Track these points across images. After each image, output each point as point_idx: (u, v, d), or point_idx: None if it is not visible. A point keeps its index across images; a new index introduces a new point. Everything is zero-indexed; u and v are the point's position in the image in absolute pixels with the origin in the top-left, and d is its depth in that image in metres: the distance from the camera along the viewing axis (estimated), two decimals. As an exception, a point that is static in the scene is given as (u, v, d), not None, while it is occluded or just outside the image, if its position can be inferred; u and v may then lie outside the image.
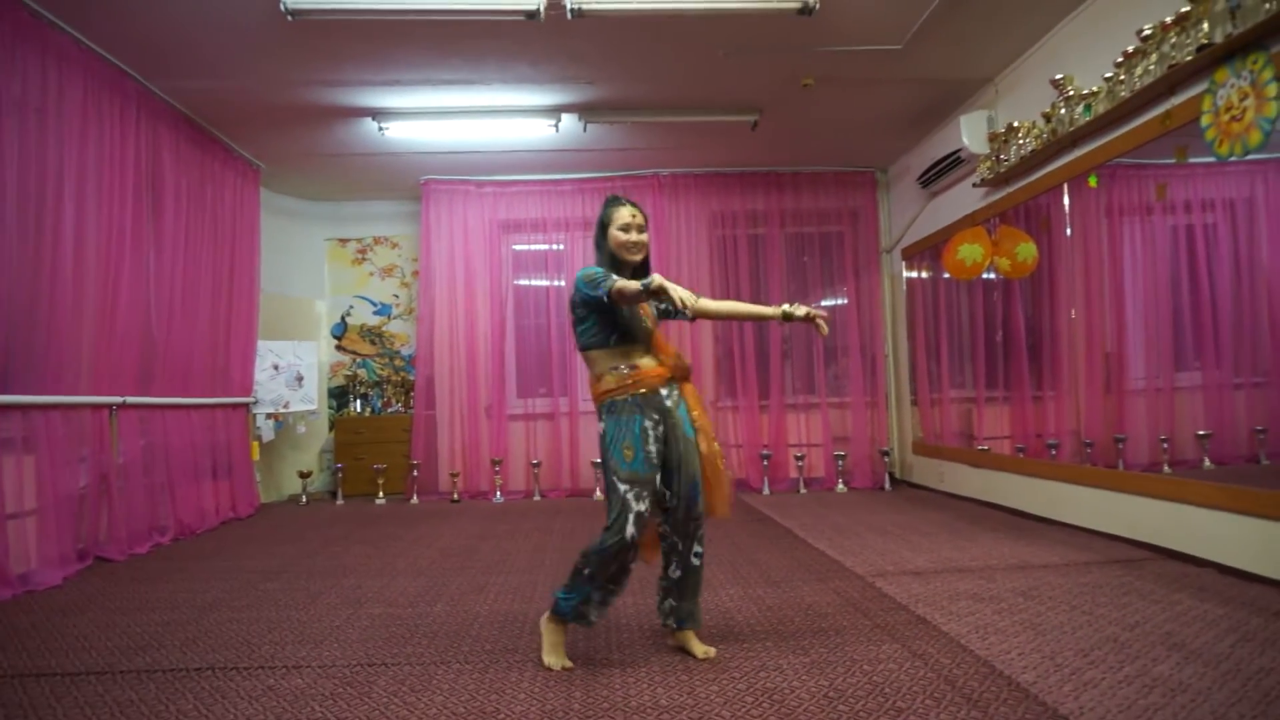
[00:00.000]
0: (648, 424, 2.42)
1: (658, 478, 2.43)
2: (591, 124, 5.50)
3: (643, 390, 2.44)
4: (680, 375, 2.55)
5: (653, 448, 2.41)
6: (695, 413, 2.54)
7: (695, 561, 2.51)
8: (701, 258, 6.79)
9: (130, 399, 4.42)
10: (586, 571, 2.38)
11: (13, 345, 3.63)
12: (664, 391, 2.49)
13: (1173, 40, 3.33)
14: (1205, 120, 3.13)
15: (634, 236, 2.50)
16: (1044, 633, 2.58)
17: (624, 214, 2.50)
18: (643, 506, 2.35)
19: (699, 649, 2.47)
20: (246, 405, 5.95)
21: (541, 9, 3.79)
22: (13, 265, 3.59)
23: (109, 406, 4.27)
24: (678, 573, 2.51)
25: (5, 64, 3.59)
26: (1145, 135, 3.63)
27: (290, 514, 5.91)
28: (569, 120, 5.49)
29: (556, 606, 2.43)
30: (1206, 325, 4.10)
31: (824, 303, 6.93)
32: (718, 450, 2.56)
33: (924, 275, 6.34)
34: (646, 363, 2.47)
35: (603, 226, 2.53)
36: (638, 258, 2.53)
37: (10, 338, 3.60)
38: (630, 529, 2.32)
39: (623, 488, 2.36)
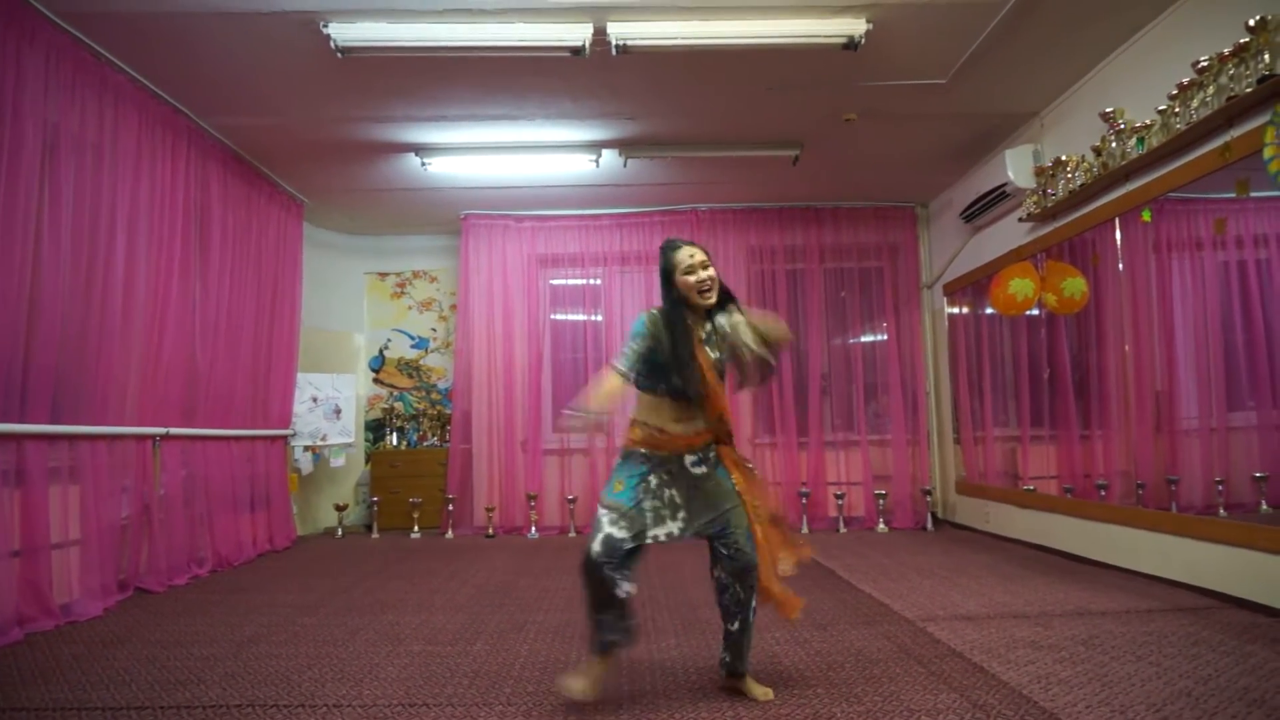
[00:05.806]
0: (653, 479, 2.43)
1: (643, 524, 2.38)
2: (632, 159, 5.51)
3: (662, 454, 2.43)
4: (719, 438, 2.50)
5: (646, 501, 2.40)
6: (736, 475, 2.47)
7: (752, 617, 2.45)
8: (739, 293, 6.71)
9: (174, 430, 4.45)
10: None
11: (63, 375, 3.67)
12: (690, 458, 2.44)
13: (1231, 71, 3.26)
14: (1268, 153, 3.04)
15: (701, 275, 2.42)
16: (1111, 685, 2.45)
17: (683, 257, 2.43)
18: (617, 532, 2.33)
19: (758, 691, 2.42)
20: (285, 438, 5.98)
21: (587, 45, 3.82)
22: (65, 296, 3.65)
23: (153, 437, 4.30)
24: (736, 626, 2.43)
25: (65, 102, 3.69)
26: (1202, 168, 3.54)
27: (326, 547, 5.90)
28: (609, 155, 5.51)
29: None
30: (1261, 364, 3.97)
31: (863, 339, 6.85)
32: (763, 518, 2.44)
33: (966, 311, 6.24)
34: (678, 429, 2.43)
35: (666, 275, 2.46)
36: (713, 298, 2.44)
37: (60, 368, 3.64)
38: (596, 546, 2.32)
39: (601, 511, 2.40)
